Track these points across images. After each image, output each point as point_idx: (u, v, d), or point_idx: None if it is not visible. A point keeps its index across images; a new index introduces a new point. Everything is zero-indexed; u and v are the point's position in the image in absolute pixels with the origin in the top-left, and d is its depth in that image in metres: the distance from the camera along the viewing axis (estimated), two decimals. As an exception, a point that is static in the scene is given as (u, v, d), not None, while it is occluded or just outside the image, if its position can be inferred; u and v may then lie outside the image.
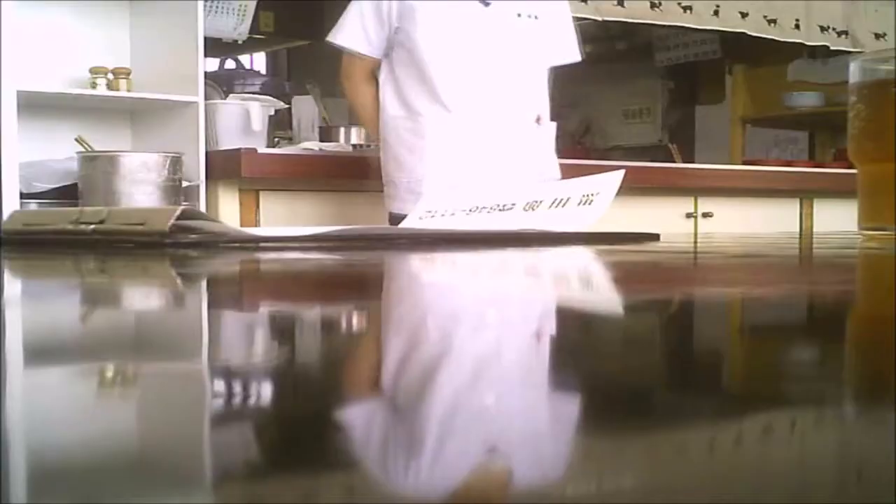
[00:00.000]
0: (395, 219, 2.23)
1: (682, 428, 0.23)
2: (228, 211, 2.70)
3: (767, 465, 0.19)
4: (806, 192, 3.62)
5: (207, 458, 0.20)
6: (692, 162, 4.18)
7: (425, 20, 2.30)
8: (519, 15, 2.37)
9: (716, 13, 3.85)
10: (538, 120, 2.41)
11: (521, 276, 0.69)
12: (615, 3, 3.50)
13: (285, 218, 2.69)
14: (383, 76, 2.42)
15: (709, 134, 5.07)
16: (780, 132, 5.20)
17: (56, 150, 2.74)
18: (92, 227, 0.90)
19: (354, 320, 0.43)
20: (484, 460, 0.20)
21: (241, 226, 2.47)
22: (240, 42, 3.37)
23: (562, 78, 2.62)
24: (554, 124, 2.51)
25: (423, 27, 2.30)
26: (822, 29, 4.16)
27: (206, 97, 2.80)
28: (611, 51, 4.77)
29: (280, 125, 3.32)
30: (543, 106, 2.45)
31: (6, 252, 0.89)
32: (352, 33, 2.40)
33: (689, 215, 3.33)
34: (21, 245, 0.96)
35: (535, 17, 2.39)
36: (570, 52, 2.53)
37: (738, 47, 4.53)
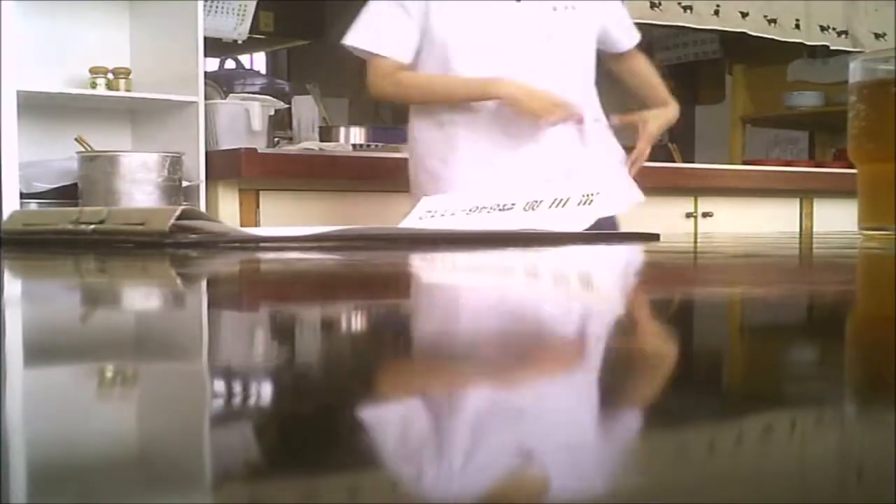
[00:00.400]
0: None
1: (684, 429, 0.23)
2: (228, 211, 2.70)
3: (769, 464, 0.19)
4: (806, 192, 3.62)
5: (207, 458, 0.20)
6: (692, 162, 4.19)
7: (451, 21, 2.13)
8: (555, 9, 2.15)
9: (716, 13, 3.85)
10: (580, 120, 2.20)
11: (521, 277, 0.69)
12: (615, 2, 3.49)
13: (285, 218, 2.69)
14: None
15: (709, 134, 5.07)
16: (780, 132, 5.21)
17: (56, 150, 2.74)
18: (92, 227, 0.90)
19: (355, 320, 0.43)
20: (489, 463, 0.20)
21: (241, 226, 2.48)
22: (240, 42, 3.37)
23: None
24: (604, 122, 2.29)
25: (449, 28, 2.13)
26: (822, 29, 4.16)
27: (206, 97, 2.80)
28: (611, 50, 4.76)
29: (280, 125, 3.32)
30: (587, 104, 2.24)
31: (6, 252, 0.89)
32: (376, 34, 2.17)
33: (689, 215, 3.33)
34: (21, 245, 0.96)
35: (573, 8, 2.17)
36: (620, 39, 2.33)
37: (738, 47, 4.53)
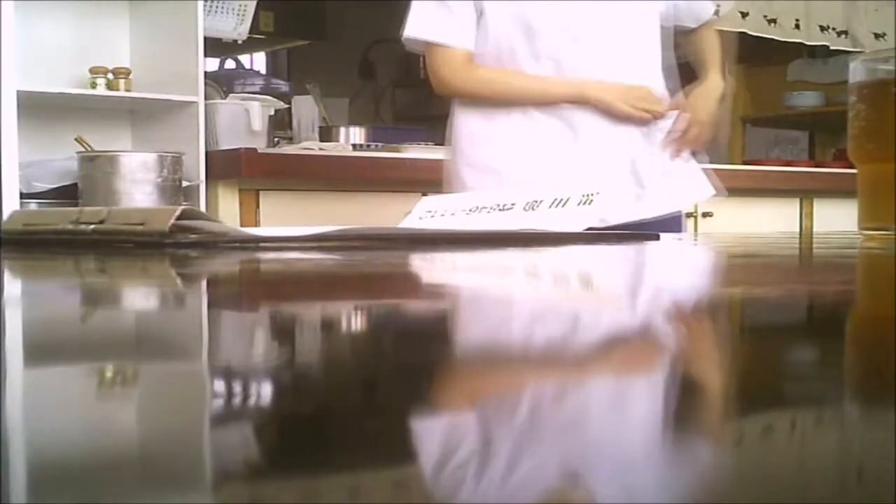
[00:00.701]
0: None
1: (684, 428, 0.23)
2: (228, 211, 2.70)
3: (768, 464, 0.19)
4: (806, 192, 3.62)
5: (207, 458, 0.20)
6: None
7: (506, 6, 1.92)
8: None
9: (716, 13, 3.85)
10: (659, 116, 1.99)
11: (522, 277, 0.69)
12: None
13: (285, 218, 2.69)
14: None
15: (709, 134, 5.06)
16: (780, 132, 5.21)
17: (56, 150, 2.74)
18: (92, 227, 0.90)
19: (355, 320, 0.43)
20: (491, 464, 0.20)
21: (241, 226, 2.48)
22: (240, 42, 3.37)
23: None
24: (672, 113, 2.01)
25: (492, 13, 1.92)
26: (822, 29, 4.17)
27: (206, 97, 2.81)
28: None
29: (280, 125, 3.32)
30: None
31: (6, 252, 0.89)
32: (437, 23, 1.95)
33: (689, 215, 3.33)
34: (21, 245, 0.96)
35: None
36: (687, 16, 2.11)
37: (738, 47, 4.53)
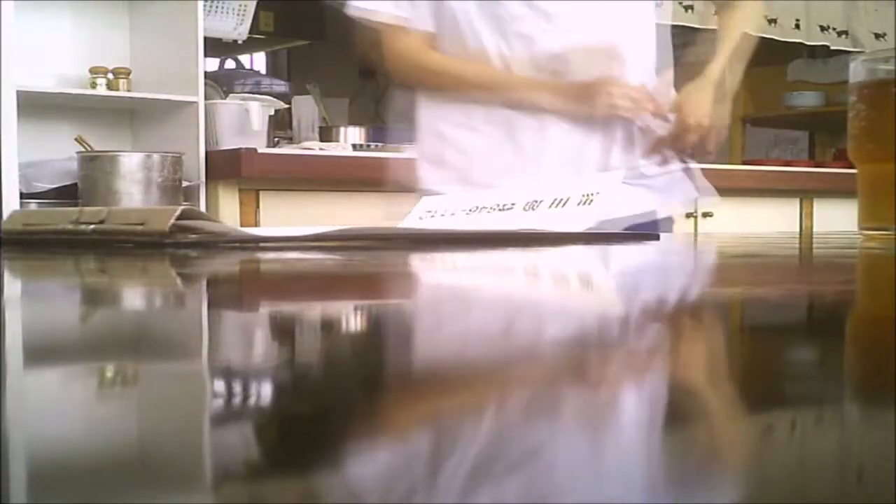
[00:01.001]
0: None
1: (683, 427, 0.23)
2: (228, 211, 2.70)
3: (768, 464, 0.19)
4: (806, 192, 3.62)
5: (207, 458, 0.20)
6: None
7: None
8: None
9: (716, 13, 3.86)
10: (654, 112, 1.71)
11: (522, 277, 0.69)
12: (615, 2, 3.49)
13: (285, 218, 2.69)
14: None
15: (709, 134, 5.06)
16: (780, 132, 5.21)
17: (56, 150, 2.74)
18: (92, 227, 0.90)
19: (355, 320, 0.43)
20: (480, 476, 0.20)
21: (241, 226, 2.47)
22: (240, 42, 3.37)
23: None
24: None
25: None
26: (822, 29, 4.17)
27: (206, 97, 2.81)
28: (611, 51, 4.76)
29: (280, 125, 3.32)
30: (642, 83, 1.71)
31: (6, 252, 0.89)
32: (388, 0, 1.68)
33: (689, 215, 3.33)
34: (21, 245, 0.96)
35: None
36: None
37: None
